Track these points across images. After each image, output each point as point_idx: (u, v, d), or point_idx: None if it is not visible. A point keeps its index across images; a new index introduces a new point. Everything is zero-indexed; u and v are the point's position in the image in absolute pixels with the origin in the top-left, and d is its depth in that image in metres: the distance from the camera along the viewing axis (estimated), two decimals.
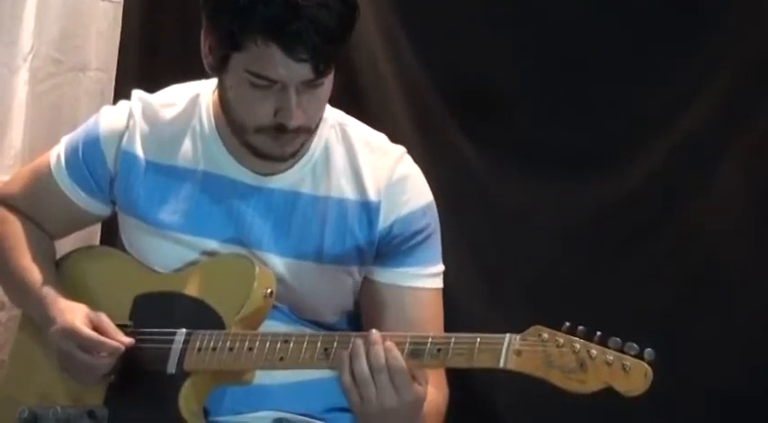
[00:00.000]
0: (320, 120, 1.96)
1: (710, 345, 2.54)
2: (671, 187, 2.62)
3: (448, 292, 2.08)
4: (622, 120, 2.63)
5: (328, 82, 1.90)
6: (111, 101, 2.64)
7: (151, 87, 2.11)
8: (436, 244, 2.04)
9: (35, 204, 2.15)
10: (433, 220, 2.03)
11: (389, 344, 1.77)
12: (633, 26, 2.60)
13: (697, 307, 2.58)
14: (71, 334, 1.95)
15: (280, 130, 1.89)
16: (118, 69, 2.75)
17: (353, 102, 2.13)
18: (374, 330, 1.80)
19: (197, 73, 2.03)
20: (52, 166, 2.11)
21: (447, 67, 2.71)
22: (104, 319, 1.97)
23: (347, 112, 2.07)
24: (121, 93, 2.34)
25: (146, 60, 2.79)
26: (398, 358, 1.75)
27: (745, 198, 2.58)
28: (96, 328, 1.96)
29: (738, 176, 2.58)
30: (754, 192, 2.58)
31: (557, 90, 2.64)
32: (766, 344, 2.52)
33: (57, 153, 2.12)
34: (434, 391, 1.90)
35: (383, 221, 1.99)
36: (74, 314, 1.98)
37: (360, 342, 1.78)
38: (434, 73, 2.72)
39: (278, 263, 1.98)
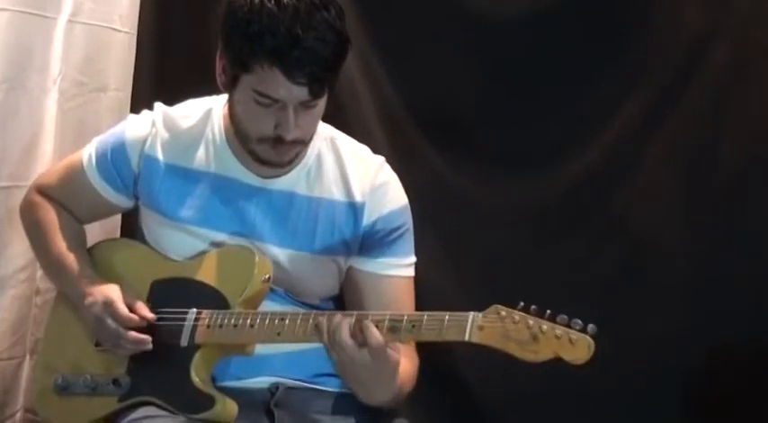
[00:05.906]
0: (314, 134, 2.09)
1: (640, 315, 2.69)
2: (604, 181, 2.76)
3: (420, 276, 2.20)
4: (561, 125, 2.75)
5: (322, 102, 2.02)
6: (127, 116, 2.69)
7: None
8: (410, 239, 2.18)
9: (68, 194, 2.27)
10: (408, 220, 2.17)
11: (367, 323, 1.88)
12: (567, 48, 2.73)
13: (628, 283, 2.74)
14: (109, 306, 2.08)
15: (278, 141, 2.01)
16: (132, 89, 2.87)
17: (336, 119, 2.21)
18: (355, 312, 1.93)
19: (198, 92, 2.20)
20: (84, 164, 2.23)
21: (414, 89, 2.81)
22: (138, 301, 2.11)
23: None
24: (135, 108, 2.45)
25: (155, 81, 2.90)
26: (376, 335, 1.88)
27: (668, 189, 2.73)
28: (129, 307, 2.09)
29: (662, 170, 2.73)
30: (676, 183, 2.73)
31: (506, 105, 2.76)
32: (686, 313, 2.69)
33: (88, 153, 2.23)
34: (406, 362, 2.02)
35: (367, 219, 2.13)
36: (113, 291, 2.11)
37: (346, 320, 1.90)
38: (403, 94, 2.82)
39: (276, 252, 2.11)
